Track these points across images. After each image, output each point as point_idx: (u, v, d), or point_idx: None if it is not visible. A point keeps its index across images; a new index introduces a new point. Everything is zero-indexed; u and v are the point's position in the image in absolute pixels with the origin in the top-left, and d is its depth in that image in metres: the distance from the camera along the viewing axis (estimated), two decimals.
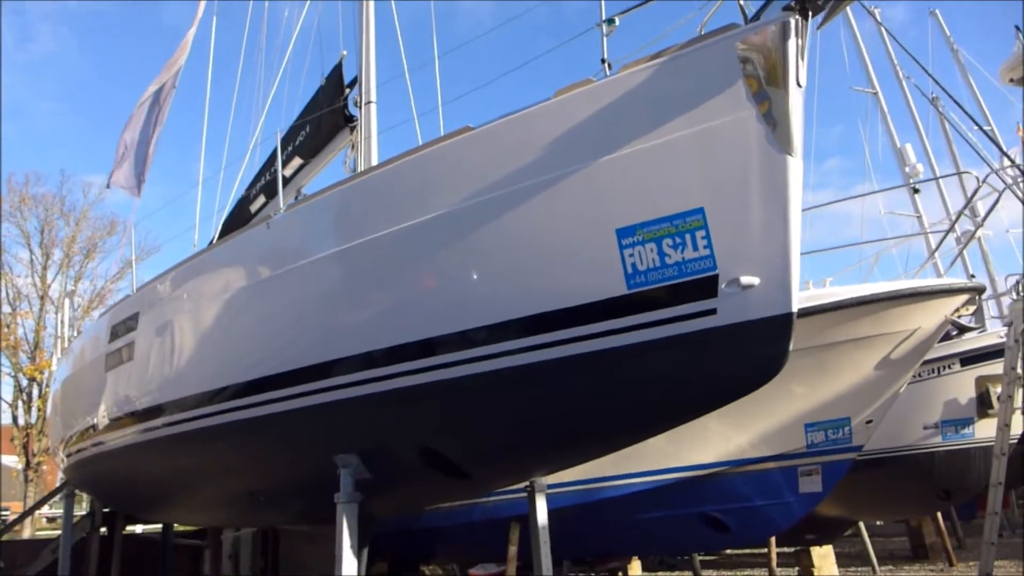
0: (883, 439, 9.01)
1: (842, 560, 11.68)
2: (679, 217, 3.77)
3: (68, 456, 9.01)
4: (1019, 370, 7.39)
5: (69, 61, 62.13)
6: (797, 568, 10.60)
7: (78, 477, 9.54)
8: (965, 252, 12.23)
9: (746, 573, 12.37)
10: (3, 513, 27.71)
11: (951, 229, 10.68)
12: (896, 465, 10.05)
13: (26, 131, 55.32)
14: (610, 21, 4.34)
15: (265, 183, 8.70)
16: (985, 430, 9.57)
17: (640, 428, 4.93)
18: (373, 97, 7.52)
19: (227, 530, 11.54)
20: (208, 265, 6.17)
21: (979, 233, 12.14)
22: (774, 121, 3.61)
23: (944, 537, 11.80)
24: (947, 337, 9.26)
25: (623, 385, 4.18)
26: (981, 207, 10.68)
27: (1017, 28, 13.32)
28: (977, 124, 9.68)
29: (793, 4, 3.61)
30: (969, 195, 10.35)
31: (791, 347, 3.76)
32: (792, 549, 11.03)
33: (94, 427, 7.61)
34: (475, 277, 4.35)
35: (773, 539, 10.21)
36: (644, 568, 11.93)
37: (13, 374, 26.79)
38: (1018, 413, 7.67)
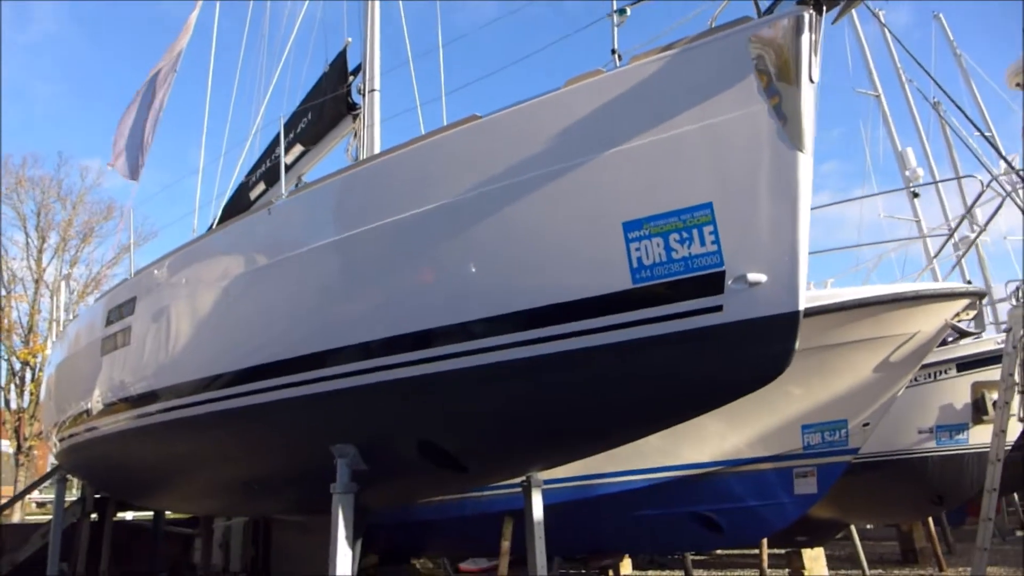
0: (877, 442, 8.99)
1: (832, 563, 11.68)
2: (687, 212, 3.73)
3: (61, 441, 8.94)
4: (1016, 376, 7.38)
5: (68, 42, 61.82)
6: (788, 569, 10.62)
7: (71, 462, 9.48)
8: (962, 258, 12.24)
9: (737, 574, 12.38)
10: None
11: (952, 234, 10.68)
12: (890, 469, 10.05)
13: (24, 113, 55.01)
14: (621, 11, 4.30)
15: (266, 170, 8.64)
16: (979, 436, 9.58)
17: (642, 424, 4.89)
18: (377, 85, 7.48)
19: (218, 519, 11.49)
20: (207, 251, 6.10)
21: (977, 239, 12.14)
22: (785, 117, 3.57)
23: (934, 542, 11.81)
24: (943, 342, 9.26)
25: (626, 381, 4.14)
26: (980, 213, 10.69)
27: None
28: (978, 129, 9.69)
29: None
30: (970, 200, 10.36)
31: (796, 346, 3.73)
32: (783, 550, 11.03)
33: (88, 412, 7.55)
34: (477, 268, 4.30)
35: (765, 540, 10.24)
36: (634, 567, 11.94)
37: (6, 357, 26.67)
38: (1014, 419, 7.66)
